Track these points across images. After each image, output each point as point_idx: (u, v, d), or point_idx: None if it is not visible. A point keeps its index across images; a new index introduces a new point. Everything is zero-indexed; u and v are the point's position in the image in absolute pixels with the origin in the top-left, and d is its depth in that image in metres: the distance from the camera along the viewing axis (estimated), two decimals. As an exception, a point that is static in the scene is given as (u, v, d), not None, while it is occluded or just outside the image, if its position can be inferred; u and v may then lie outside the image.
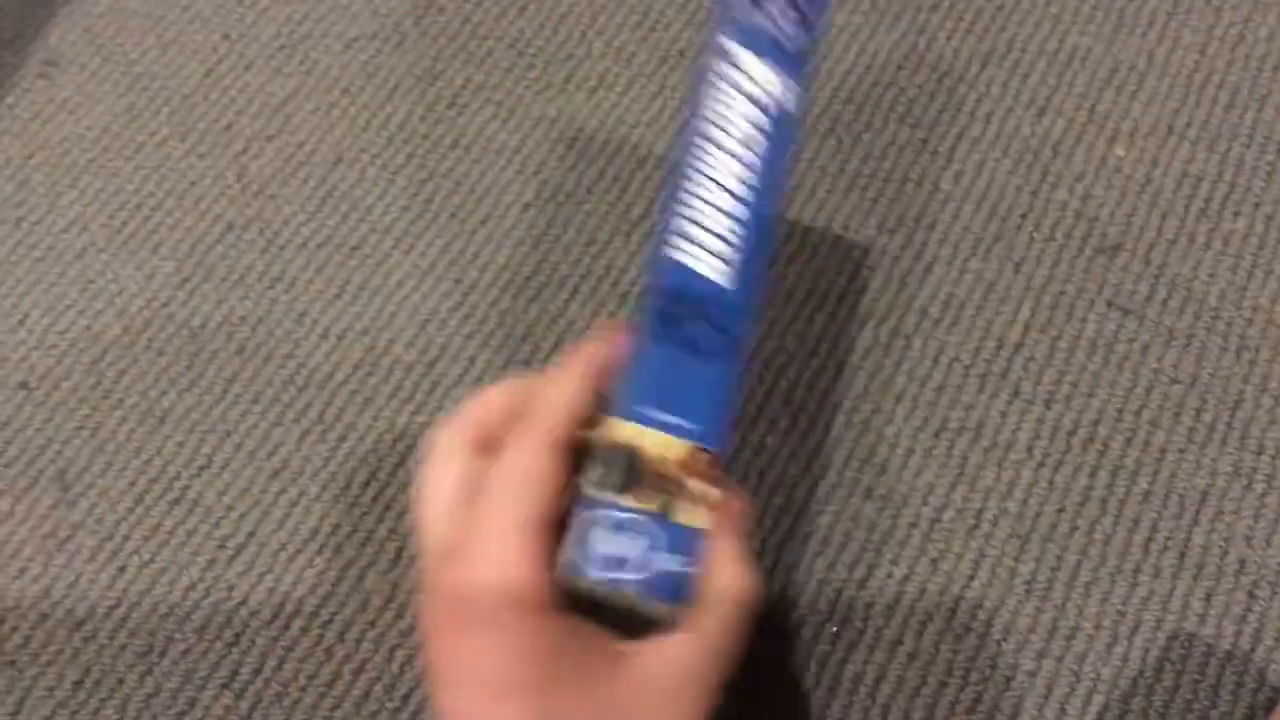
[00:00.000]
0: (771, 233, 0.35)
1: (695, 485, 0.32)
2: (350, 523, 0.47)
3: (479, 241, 0.52)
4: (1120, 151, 0.54)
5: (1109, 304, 0.51)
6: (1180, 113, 0.55)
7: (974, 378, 0.50)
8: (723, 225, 0.34)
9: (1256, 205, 0.53)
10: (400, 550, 0.46)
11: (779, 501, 0.47)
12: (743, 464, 0.48)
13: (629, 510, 0.31)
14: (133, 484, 0.47)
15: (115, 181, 0.53)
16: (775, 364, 0.50)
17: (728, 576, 0.32)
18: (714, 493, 0.32)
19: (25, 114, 0.55)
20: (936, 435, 0.49)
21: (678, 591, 0.31)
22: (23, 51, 0.56)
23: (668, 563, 0.31)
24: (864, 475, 0.48)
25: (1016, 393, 0.49)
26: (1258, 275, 0.52)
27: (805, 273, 0.52)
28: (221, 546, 0.46)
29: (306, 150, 0.54)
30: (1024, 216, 0.53)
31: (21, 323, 0.50)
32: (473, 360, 0.50)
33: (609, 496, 0.31)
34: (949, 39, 0.57)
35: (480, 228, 0.52)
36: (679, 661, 0.31)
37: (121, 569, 0.46)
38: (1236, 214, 0.53)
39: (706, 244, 0.34)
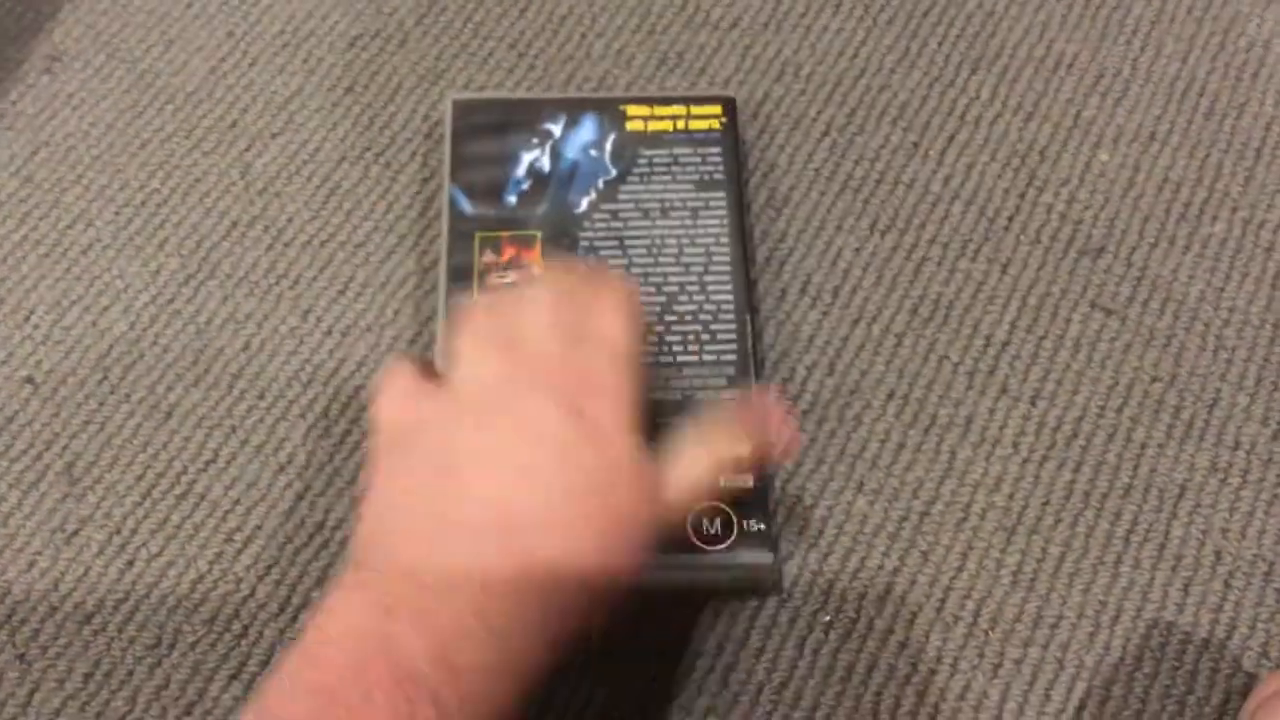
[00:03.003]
0: None
1: None
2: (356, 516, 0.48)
3: (480, 240, 0.53)
4: (1104, 156, 0.56)
5: (1092, 304, 0.53)
6: (1162, 119, 0.57)
7: (962, 375, 0.51)
8: None
9: (1234, 210, 0.55)
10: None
11: (774, 495, 0.48)
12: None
13: None
14: (140, 478, 0.48)
15: (120, 178, 0.54)
16: (770, 361, 0.51)
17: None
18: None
19: (30, 109, 0.55)
20: (926, 430, 0.50)
21: None
22: (27, 47, 0.56)
23: None
24: (856, 469, 0.49)
25: (1004, 390, 0.51)
26: (1235, 277, 0.53)
27: (799, 271, 0.53)
28: (229, 540, 0.47)
29: (310, 148, 0.55)
30: (1011, 218, 0.54)
31: (27, 318, 0.51)
32: (475, 356, 0.51)
33: None
34: (940, 44, 0.58)
35: (481, 226, 0.53)
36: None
37: (130, 562, 0.47)
38: (1215, 218, 0.55)
39: None
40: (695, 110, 0.53)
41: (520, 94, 0.55)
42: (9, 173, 0.54)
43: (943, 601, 0.47)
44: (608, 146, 0.52)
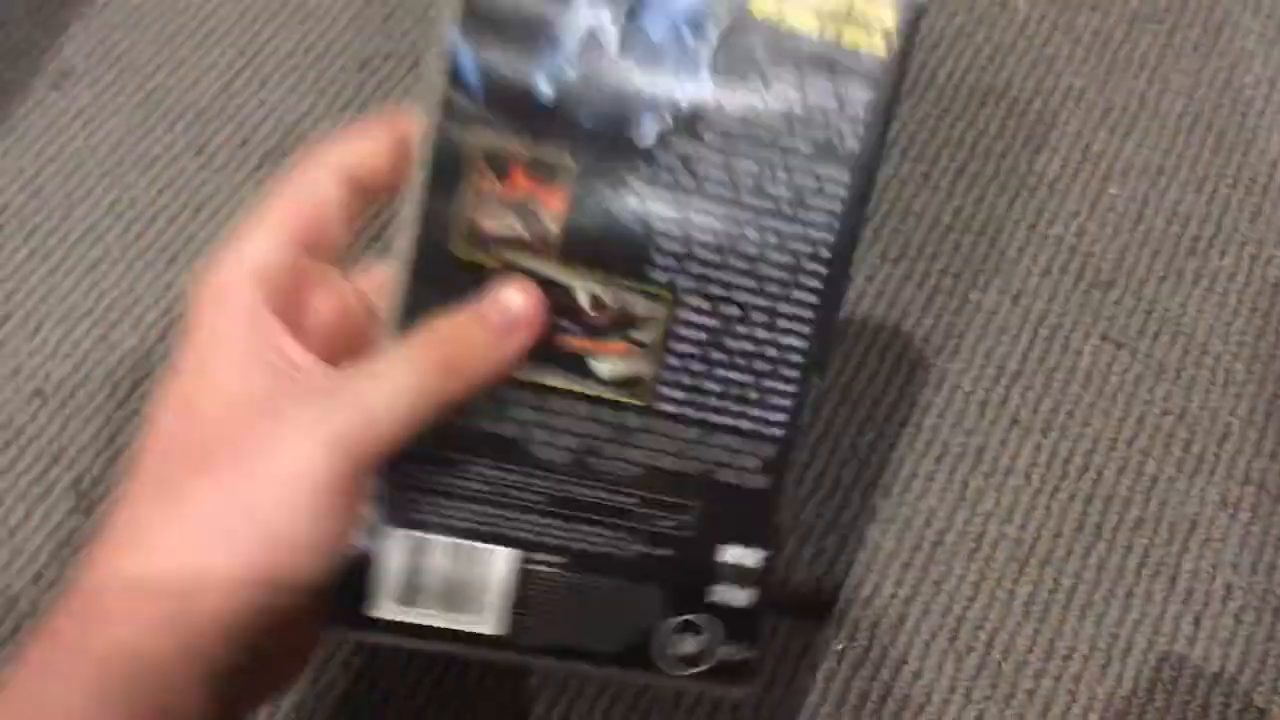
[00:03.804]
0: None
1: None
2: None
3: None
4: (1113, 190, 0.56)
5: (1103, 337, 0.53)
6: (1170, 154, 0.57)
7: (974, 405, 0.51)
8: None
9: (1242, 244, 0.55)
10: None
11: (787, 523, 0.48)
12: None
13: None
14: (147, 495, 0.48)
15: (129, 194, 0.53)
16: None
17: None
18: None
19: (39, 125, 0.55)
20: (938, 460, 0.50)
21: None
22: (37, 62, 0.56)
23: None
24: (869, 498, 0.49)
25: (1015, 420, 0.51)
26: (1243, 312, 0.54)
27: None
28: (236, 559, 0.47)
29: (322, 167, 0.55)
30: (1021, 250, 0.55)
31: (36, 331, 0.50)
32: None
33: None
34: (949, 77, 0.59)
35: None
36: None
37: (136, 580, 0.46)
38: (1223, 253, 0.55)
39: None
40: (861, 6, 0.32)
41: None
42: (18, 186, 0.53)
43: (955, 631, 0.47)
44: (711, 30, 0.31)
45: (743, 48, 0.31)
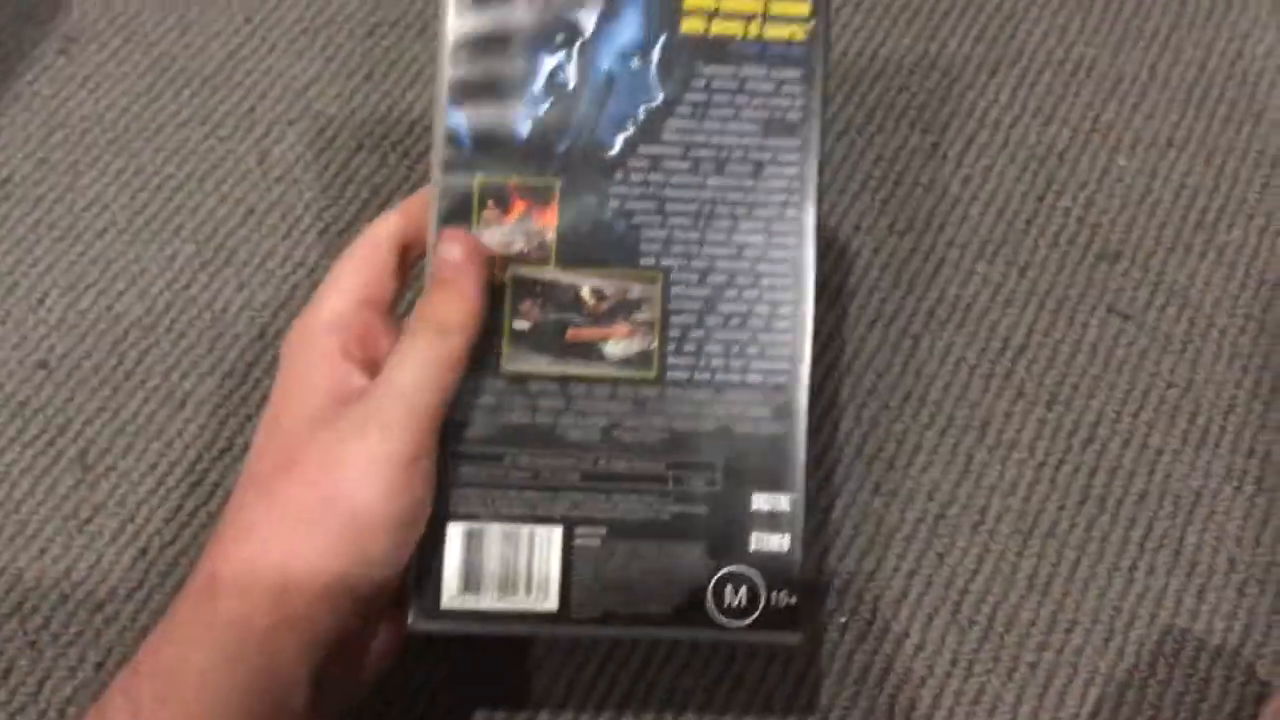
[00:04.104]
0: None
1: None
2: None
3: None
4: (1122, 161, 0.56)
5: (1109, 309, 0.53)
6: (1180, 125, 0.57)
7: (979, 378, 0.51)
8: None
9: (1250, 217, 0.55)
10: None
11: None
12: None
13: None
14: (154, 466, 0.48)
15: (135, 162, 0.53)
16: (788, 360, 0.51)
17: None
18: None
19: (45, 91, 0.55)
20: (942, 433, 0.50)
21: None
22: (43, 28, 0.56)
23: None
24: (872, 471, 0.49)
25: (1020, 393, 0.51)
26: (1250, 284, 0.54)
27: (816, 271, 0.53)
28: (243, 528, 0.47)
29: (328, 136, 0.54)
30: (1029, 222, 0.54)
31: (41, 301, 0.50)
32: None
33: None
34: (959, 46, 0.58)
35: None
36: None
37: (143, 550, 0.46)
38: (1231, 225, 0.55)
39: None
40: (776, 5, 0.38)
41: None
42: (23, 155, 0.53)
43: (958, 604, 0.47)
44: (655, 55, 0.38)
45: (682, 60, 0.38)
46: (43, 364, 0.49)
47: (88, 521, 0.47)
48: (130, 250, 0.52)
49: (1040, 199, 0.55)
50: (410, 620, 0.36)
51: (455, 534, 0.37)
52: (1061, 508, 0.49)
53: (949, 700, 0.46)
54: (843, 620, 0.47)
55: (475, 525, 0.37)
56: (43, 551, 0.46)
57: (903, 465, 0.49)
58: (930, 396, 0.51)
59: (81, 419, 0.48)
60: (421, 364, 0.35)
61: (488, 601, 0.36)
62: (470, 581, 0.37)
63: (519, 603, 0.37)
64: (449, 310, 0.36)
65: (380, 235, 0.38)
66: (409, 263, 0.39)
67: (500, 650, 0.46)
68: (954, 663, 0.46)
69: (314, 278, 0.51)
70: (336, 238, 0.52)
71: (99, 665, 0.44)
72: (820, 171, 0.39)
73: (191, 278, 0.51)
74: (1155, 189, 0.55)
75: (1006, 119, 0.57)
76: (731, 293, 0.38)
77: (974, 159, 0.56)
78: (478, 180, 0.37)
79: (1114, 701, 0.46)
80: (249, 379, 0.49)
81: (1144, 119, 0.57)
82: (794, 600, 0.38)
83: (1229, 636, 0.47)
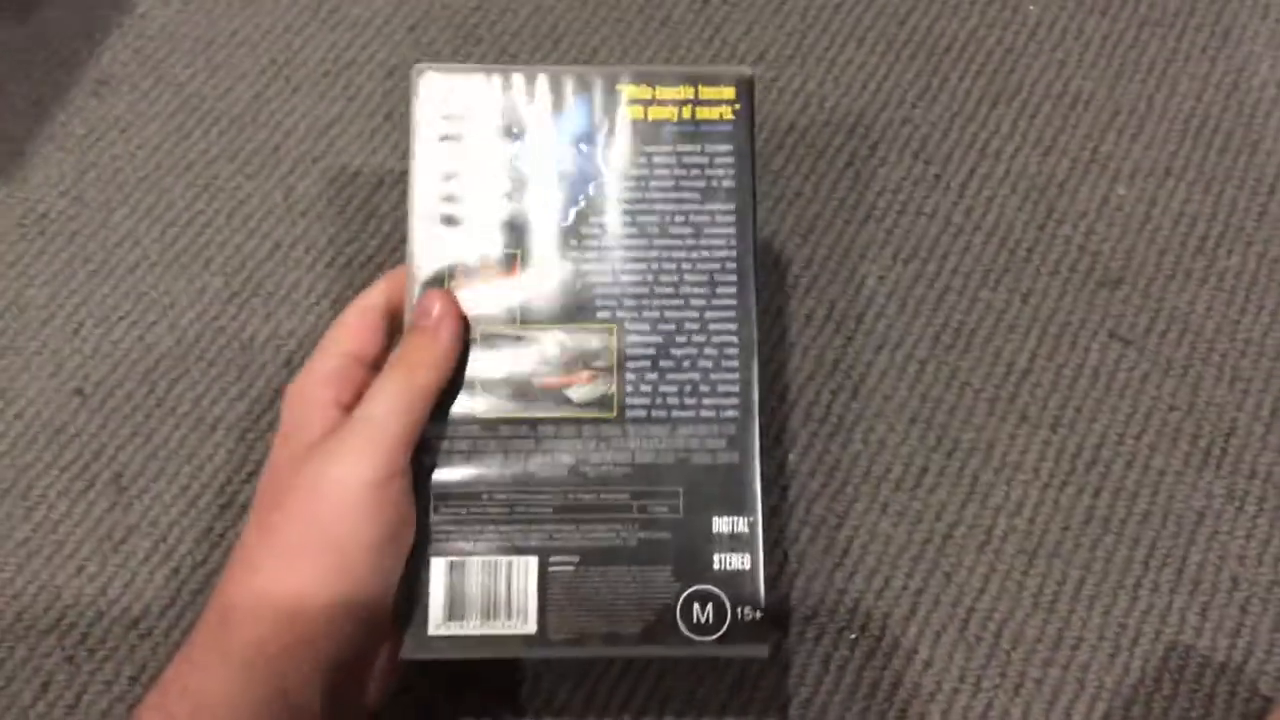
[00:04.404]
0: None
1: None
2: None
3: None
4: (1121, 190, 0.57)
5: (1110, 334, 0.54)
6: (1178, 155, 0.58)
7: (984, 401, 0.53)
8: None
9: (1249, 244, 0.56)
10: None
11: (800, 515, 0.50)
12: (766, 481, 0.50)
13: None
14: (185, 488, 0.50)
15: (166, 198, 0.55)
16: (796, 385, 0.52)
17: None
18: None
19: (79, 131, 0.57)
20: (949, 455, 0.51)
21: None
22: (76, 70, 0.58)
23: None
24: (881, 492, 0.51)
25: (1024, 417, 0.52)
26: (1250, 309, 0.55)
27: (823, 299, 0.54)
28: (270, 550, 0.48)
29: (350, 173, 0.56)
30: (1031, 250, 0.56)
31: (76, 332, 0.52)
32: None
33: None
34: (961, 79, 0.60)
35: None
36: None
37: (175, 569, 0.48)
38: (1230, 251, 0.56)
39: None
40: (705, 92, 0.44)
41: (496, 66, 0.45)
42: (59, 192, 0.55)
43: (965, 622, 0.48)
44: (599, 137, 0.43)
45: (625, 141, 0.43)
46: (78, 391, 0.51)
47: (122, 542, 0.48)
48: (161, 283, 0.54)
49: (1041, 227, 0.56)
50: (403, 650, 0.39)
51: (439, 567, 0.40)
52: (1066, 528, 0.50)
53: (957, 716, 0.47)
54: (853, 637, 0.48)
55: (457, 559, 0.40)
56: (79, 570, 0.48)
57: (910, 487, 0.51)
58: (936, 420, 0.52)
59: (115, 444, 0.50)
60: (393, 395, 0.38)
61: (472, 627, 0.40)
62: (455, 610, 0.40)
63: (500, 627, 0.40)
64: (421, 352, 0.40)
65: (367, 304, 0.42)
66: (393, 326, 0.43)
67: (496, 662, 0.47)
68: (962, 679, 0.47)
69: (336, 309, 0.53)
70: (359, 270, 0.54)
71: (133, 679, 0.46)
72: (754, 229, 0.43)
73: (220, 309, 0.53)
74: (1154, 217, 0.57)
75: (1007, 150, 0.58)
76: (681, 338, 0.42)
77: (976, 189, 0.57)
78: (450, 253, 0.42)
79: (1119, 717, 0.47)
80: (275, 405, 0.51)
81: (1142, 149, 0.59)
82: (759, 615, 0.40)
83: (1232, 653, 0.48)
